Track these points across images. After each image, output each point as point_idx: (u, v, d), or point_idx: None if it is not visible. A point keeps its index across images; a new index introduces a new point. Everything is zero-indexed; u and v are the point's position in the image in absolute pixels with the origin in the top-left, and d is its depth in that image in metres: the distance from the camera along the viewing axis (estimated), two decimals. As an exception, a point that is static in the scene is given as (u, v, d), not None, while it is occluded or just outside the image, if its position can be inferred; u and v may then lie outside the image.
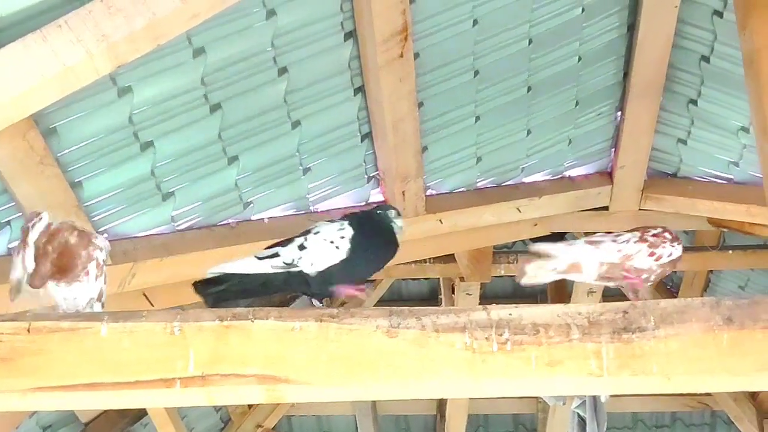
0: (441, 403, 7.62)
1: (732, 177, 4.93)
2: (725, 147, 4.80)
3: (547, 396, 6.15)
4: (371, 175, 4.51)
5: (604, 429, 5.97)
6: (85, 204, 3.68)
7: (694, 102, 4.68)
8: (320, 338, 2.38)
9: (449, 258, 5.52)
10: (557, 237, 5.12)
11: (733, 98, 4.48)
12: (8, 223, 3.58)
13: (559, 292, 6.70)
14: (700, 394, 7.41)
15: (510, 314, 2.39)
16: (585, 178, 5.11)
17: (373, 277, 5.48)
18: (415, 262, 5.52)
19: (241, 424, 7.34)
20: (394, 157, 4.27)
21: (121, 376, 2.35)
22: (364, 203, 4.56)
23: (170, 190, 3.92)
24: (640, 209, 5.04)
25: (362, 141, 4.33)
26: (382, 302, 6.83)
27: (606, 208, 5.09)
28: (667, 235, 3.15)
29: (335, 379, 2.37)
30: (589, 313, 2.39)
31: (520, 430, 8.39)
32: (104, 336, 2.38)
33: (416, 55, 3.96)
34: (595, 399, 5.81)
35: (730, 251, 5.76)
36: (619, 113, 4.83)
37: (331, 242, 2.78)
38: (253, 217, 4.28)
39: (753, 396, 7.07)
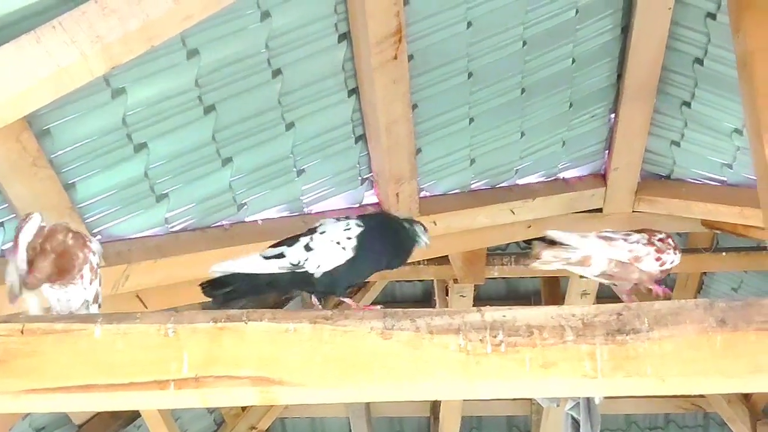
0: (435, 405, 7.62)
1: (725, 179, 4.94)
2: (719, 149, 4.81)
3: (541, 398, 6.15)
4: (365, 176, 4.51)
5: (598, 431, 5.97)
6: (79, 205, 3.68)
7: (687, 104, 4.68)
8: (314, 340, 2.37)
9: (443, 260, 5.53)
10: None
11: (726, 100, 4.49)
12: (2, 224, 3.57)
13: (553, 293, 6.72)
14: (694, 396, 7.44)
15: (504, 316, 2.39)
16: (579, 180, 5.12)
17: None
18: (409, 263, 5.51)
19: (234, 425, 7.34)
20: (388, 159, 4.27)
21: (115, 377, 2.35)
22: (357, 205, 4.56)
23: (164, 192, 3.91)
24: (633, 211, 5.04)
25: (356, 143, 4.33)
26: (375, 304, 6.81)
27: (600, 210, 5.10)
28: (670, 241, 3.15)
29: (329, 380, 2.36)
30: (583, 315, 2.39)
31: (513, 432, 8.40)
32: (98, 338, 2.38)
33: (410, 57, 3.95)
34: (588, 401, 5.80)
35: (724, 253, 5.79)
36: (613, 115, 4.84)
37: (337, 243, 2.79)
38: (247, 219, 4.27)
39: (746, 397, 7.09)
